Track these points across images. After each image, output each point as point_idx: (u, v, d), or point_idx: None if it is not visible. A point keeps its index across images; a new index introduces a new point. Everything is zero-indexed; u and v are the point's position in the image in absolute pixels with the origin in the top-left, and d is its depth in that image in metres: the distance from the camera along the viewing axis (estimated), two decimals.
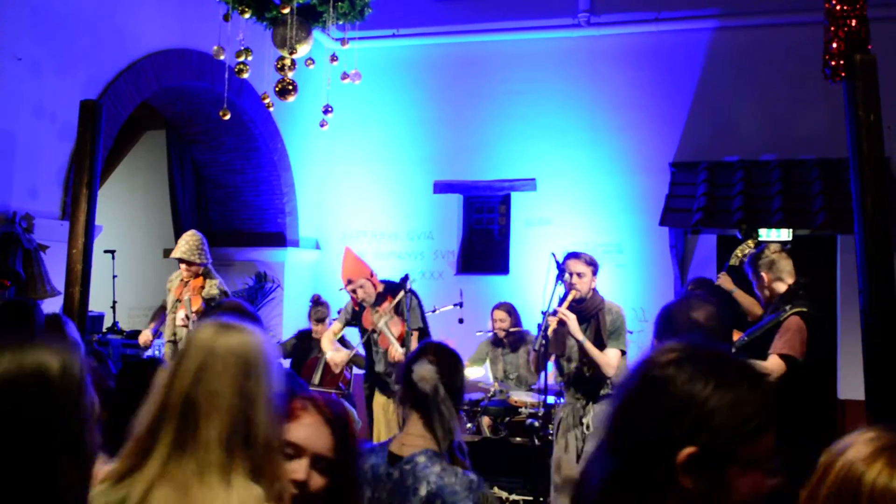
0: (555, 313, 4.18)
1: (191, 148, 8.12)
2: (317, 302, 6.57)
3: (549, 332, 4.14)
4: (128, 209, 9.25)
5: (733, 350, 3.66)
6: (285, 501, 1.45)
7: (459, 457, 2.08)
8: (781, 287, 3.85)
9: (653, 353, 1.23)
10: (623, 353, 4.25)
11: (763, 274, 3.91)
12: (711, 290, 5.26)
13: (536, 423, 4.66)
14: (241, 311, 2.89)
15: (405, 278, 5.24)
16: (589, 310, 4.26)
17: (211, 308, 4.48)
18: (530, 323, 5.69)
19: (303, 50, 4.11)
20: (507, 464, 4.75)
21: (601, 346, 4.19)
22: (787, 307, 3.69)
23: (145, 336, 5.50)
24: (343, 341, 6.43)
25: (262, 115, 7.60)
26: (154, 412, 1.45)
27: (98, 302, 6.72)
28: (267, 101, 4.27)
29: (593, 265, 4.31)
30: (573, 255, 4.33)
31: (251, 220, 8.36)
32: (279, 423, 1.52)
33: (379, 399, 5.37)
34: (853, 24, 2.91)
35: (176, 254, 5.49)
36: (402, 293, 5.12)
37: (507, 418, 5.20)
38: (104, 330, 6.81)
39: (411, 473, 1.99)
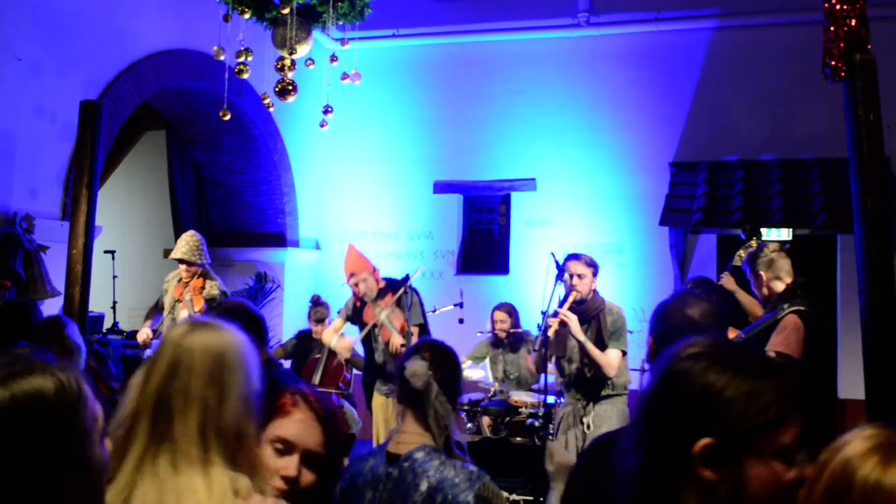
0: (556, 314, 4.18)
1: (191, 148, 8.13)
2: (316, 302, 6.57)
3: (551, 332, 4.15)
4: (128, 209, 9.25)
5: None
6: (265, 492, 1.45)
7: (458, 452, 2.08)
8: (780, 286, 3.85)
9: (674, 349, 1.24)
10: (624, 353, 4.26)
11: (762, 273, 3.92)
12: (710, 289, 5.27)
13: (537, 423, 4.66)
14: (244, 311, 2.91)
15: (406, 278, 5.25)
16: (589, 311, 4.26)
17: (213, 308, 4.48)
18: (530, 323, 5.69)
19: (303, 50, 4.11)
20: (508, 464, 4.74)
21: (602, 346, 4.19)
22: (785, 306, 3.70)
23: (144, 334, 5.49)
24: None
25: (262, 115, 7.60)
26: (129, 411, 1.46)
27: (98, 302, 6.72)
28: (267, 101, 4.27)
29: (593, 266, 4.32)
30: (573, 257, 4.33)
31: (251, 220, 8.36)
32: (256, 416, 1.51)
33: (378, 399, 5.37)
34: (853, 23, 2.91)
35: (176, 254, 5.49)
36: (403, 288, 5.15)
37: (508, 418, 5.20)
38: (104, 330, 6.81)
39: (410, 470, 1.99)
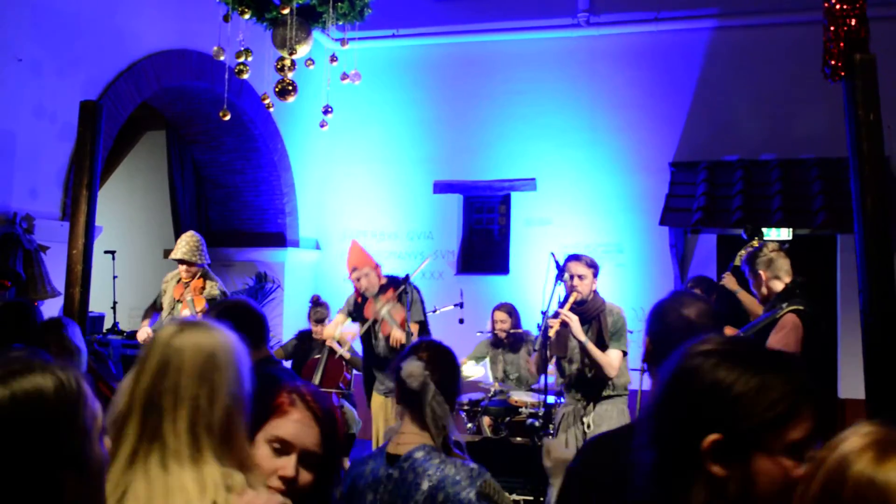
0: (557, 315, 4.19)
1: (191, 148, 8.13)
2: (316, 303, 6.57)
3: (552, 332, 4.16)
4: (128, 210, 9.25)
5: None
6: (256, 489, 1.46)
7: (457, 451, 2.08)
8: (778, 285, 3.86)
9: (686, 347, 1.25)
10: (624, 353, 4.27)
11: (761, 272, 3.92)
12: (710, 289, 5.28)
13: (537, 423, 4.66)
14: (245, 308, 2.92)
15: (406, 276, 5.26)
16: (590, 311, 4.27)
17: (215, 306, 4.47)
18: (530, 323, 5.69)
19: (302, 50, 4.11)
20: (508, 464, 4.74)
21: (603, 347, 4.21)
22: (784, 305, 3.71)
23: (145, 333, 5.49)
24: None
25: (262, 115, 7.60)
26: (120, 411, 1.46)
27: (98, 302, 6.72)
28: (267, 101, 4.27)
29: (594, 267, 4.33)
30: (574, 258, 4.34)
31: (251, 221, 8.36)
32: (247, 414, 1.51)
33: (377, 399, 5.36)
34: (853, 23, 2.91)
35: (176, 255, 5.49)
36: (404, 284, 5.16)
37: (508, 418, 5.20)
38: (104, 330, 6.80)
39: (411, 470, 1.99)
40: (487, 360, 6.04)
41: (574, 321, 4.14)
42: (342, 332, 5.48)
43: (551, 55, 7.97)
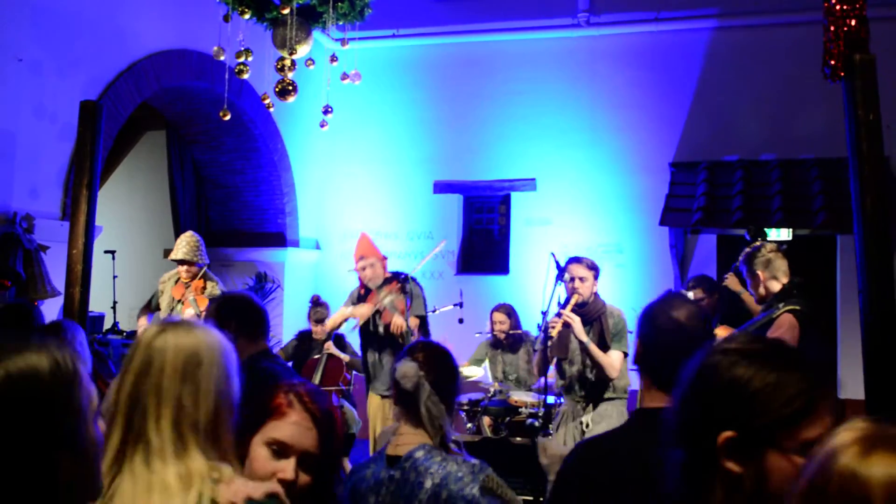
0: (559, 316, 4.21)
1: (191, 148, 8.13)
2: (316, 303, 6.56)
3: (554, 333, 4.17)
4: (128, 209, 9.25)
5: None
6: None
7: (455, 450, 2.08)
8: (776, 286, 3.88)
9: (710, 345, 1.26)
10: (626, 354, 4.28)
11: (759, 272, 3.93)
12: (712, 288, 5.28)
13: (536, 423, 4.67)
14: (247, 302, 2.94)
15: (406, 275, 5.28)
16: (591, 313, 4.30)
17: (217, 300, 4.47)
18: (530, 323, 5.69)
19: (303, 50, 4.11)
20: (508, 464, 4.73)
21: (605, 348, 4.23)
22: (781, 305, 3.73)
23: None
24: (343, 342, 6.44)
25: (263, 115, 7.60)
26: (107, 412, 1.46)
27: (98, 302, 6.72)
28: (267, 101, 4.28)
29: (594, 269, 4.36)
30: (575, 260, 4.37)
31: (251, 221, 8.36)
32: (234, 411, 1.51)
33: (374, 400, 5.34)
34: (853, 23, 2.91)
35: (177, 255, 5.49)
36: (407, 277, 5.17)
37: (508, 418, 5.20)
38: (104, 330, 6.81)
39: (413, 469, 1.99)
40: (486, 360, 6.04)
41: (576, 322, 4.16)
42: (354, 310, 5.36)
43: (551, 55, 7.97)
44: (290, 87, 3.93)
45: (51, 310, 4.93)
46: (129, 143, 9.06)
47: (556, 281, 4.34)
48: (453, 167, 8.27)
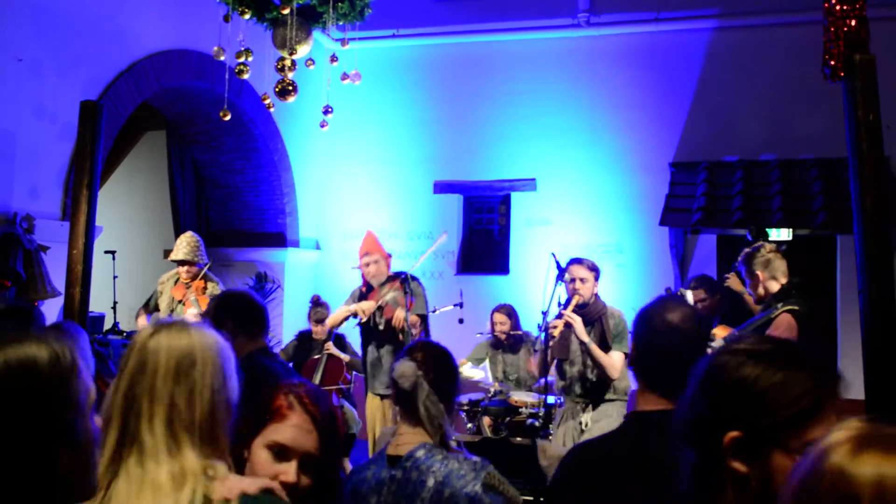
0: (560, 316, 4.22)
1: (191, 148, 8.13)
2: (316, 303, 6.57)
3: (556, 333, 4.19)
4: (128, 210, 9.24)
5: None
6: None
7: (455, 448, 2.09)
8: (775, 286, 3.89)
9: (720, 346, 1.26)
10: (626, 355, 4.29)
11: (758, 272, 3.94)
12: (714, 288, 5.28)
13: (537, 423, 4.67)
14: (246, 299, 2.94)
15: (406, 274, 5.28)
16: (592, 314, 4.31)
17: (218, 296, 4.48)
18: (530, 324, 5.69)
19: (303, 50, 4.12)
20: (508, 464, 4.73)
21: (605, 349, 4.25)
22: (779, 305, 3.74)
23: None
24: (343, 342, 6.44)
25: (263, 115, 7.60)
26: (103, 416, 1.46)
27: (99, 303, 6.71)
28: (267, 101, 4.28)
29: (595, 271, 4.38)
30: (576, 261, 4.39)
31: (251, 221, 8.36)
32: (233, 411, 1.49)
33: (372, 400, 5.34)
34: (853, 23, 2.91)
35: (178, 256, 5.49)
36: (408, 276, 5.18)
37: (508, 418, 5.20)
38: (105, 330, 6.80)
39: (414, 469, 1.99)
40: (487, 360, 6.04)
41: (578, 322, 4.18)
42: (359, 305, 5.34)
43: (551, 55, 7.97)
44: (290, 88, 3.93)
45: (51, 310, 4.93)
46: (130, 143, 9.06)
47: (557, 281, 4.35)
48: (453, 167, 8.27)
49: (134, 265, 8.52)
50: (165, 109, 7.55)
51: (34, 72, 5.26)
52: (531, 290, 6.97)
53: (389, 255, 5.43)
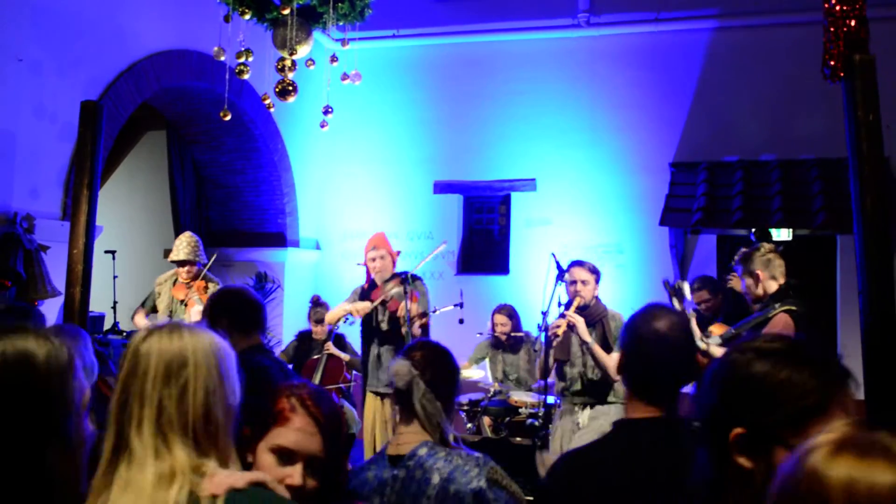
0: (563, 317, 4.23)
1: (191, 148, 8.13)
2: (316, 303, 6.56)
3: (559, 332, 4.19)
4: (128, 209, 9.24)
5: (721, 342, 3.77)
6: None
7: (454, 444, 2.09)
8: (773, 286, 3.90)
9: (732, 346, 1.28)
10: None
11: (758, 272, 3.96)
12: (716, 289, 5.29)
13: (536, 423, 4.67)
14: (244, 295, 2.94)
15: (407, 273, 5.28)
16: (593, 316, 4.33)
17: (216, 293, 4.49)
18: (530, 324, 5.70)
19: (303, 51, 4.12)
20: (508, 464, 4.73)
21: (607, 352, 4.25)
22: (776, 305, 3.75)
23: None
24: (343, 342, 6.44)
25: (263, 115, 7.60)
26: (108, 419, 1.45)
27: (99, 302, 6.71)
28: (267, 101, 4.28)
29: (596, 273, 4.40)
30: (577, 263, 4.40)
31: (251, 221, 8.36)
32: (233, 412, 1.48)
33: (371, 400, 5.33)
34: (853, 24, 2.91)
35: (178, 256, 5.49)
36: (411, 275, 5.18)
37: (508, 418, 5.20)
38: (105, 330, 6.80)
39: (418, 467, 1.98)
40: (487, 360, 6.05)
41: (580, 323, 4.18)
42: (354, 305, 5.33)
43: (551, 55, 7.97)
44: (291, 88, 3.93)
45: (51, 310, 4.94)
46: (130, 143, 9.06)
47: (557, 281, 4.36)
48: (453, 167, 8.27)
49: (134, 265, 8.53)
50: (166, 109, 7.55)
51: (34, 72, 5.27)
52: (531, 290, 6.97)
53: (398, 252, 5.43)
